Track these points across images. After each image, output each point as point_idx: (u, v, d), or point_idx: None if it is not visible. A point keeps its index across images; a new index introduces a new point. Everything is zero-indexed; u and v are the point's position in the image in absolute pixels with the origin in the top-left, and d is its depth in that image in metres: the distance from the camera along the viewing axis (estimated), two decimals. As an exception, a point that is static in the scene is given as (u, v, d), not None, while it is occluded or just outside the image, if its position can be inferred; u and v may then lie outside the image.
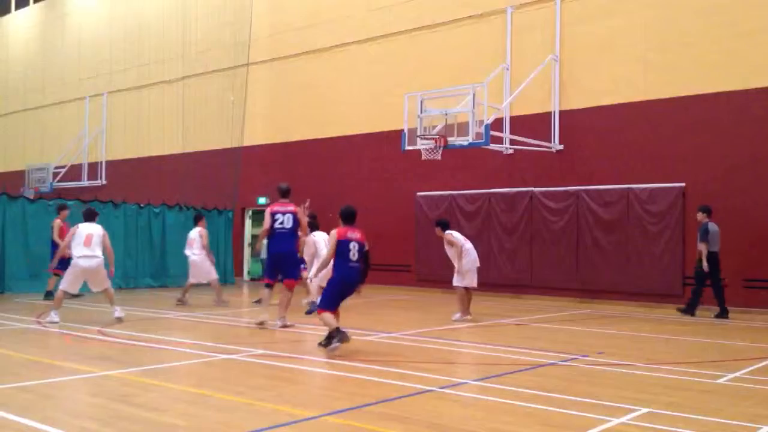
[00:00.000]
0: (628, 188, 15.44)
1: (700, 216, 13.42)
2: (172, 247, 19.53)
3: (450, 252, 12.37)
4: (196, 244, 14.59)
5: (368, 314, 13.15)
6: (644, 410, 5.70)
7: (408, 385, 6.60)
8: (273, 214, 10.79)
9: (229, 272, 21.25)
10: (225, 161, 23.05)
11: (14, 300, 14.84)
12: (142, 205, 19.31)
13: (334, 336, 8.14)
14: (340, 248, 8.35)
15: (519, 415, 5.58)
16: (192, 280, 14.59)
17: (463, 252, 12.24)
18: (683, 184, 14.87)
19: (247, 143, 22.87)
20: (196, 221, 15.15)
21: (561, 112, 16.63)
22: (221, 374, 7.29)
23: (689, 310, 13.42)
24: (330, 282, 8.52)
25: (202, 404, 5.84)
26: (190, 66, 24.96)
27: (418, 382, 6.75)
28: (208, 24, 24.69)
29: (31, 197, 19.13)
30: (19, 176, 29.38)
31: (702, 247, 13.06)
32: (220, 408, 5.73)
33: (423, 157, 15.25)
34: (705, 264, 12.97)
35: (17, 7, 33.75)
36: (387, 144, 18.52)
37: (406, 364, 7.80)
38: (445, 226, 12.64)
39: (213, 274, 14.70)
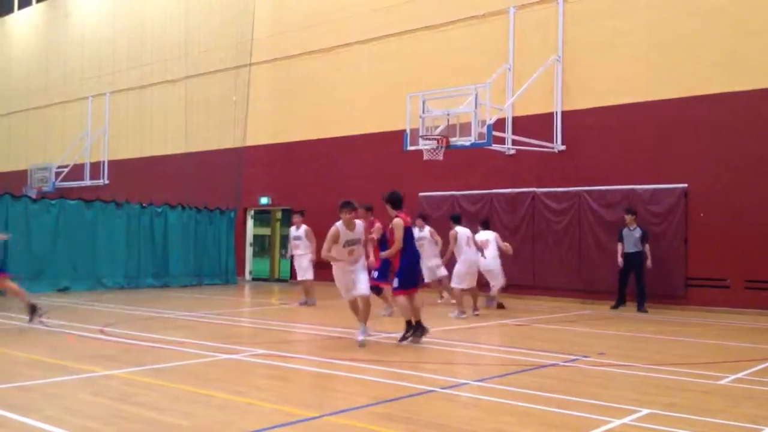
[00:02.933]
0: (631, 189, 15.42)
1: (630, 218, 14.27)
2: (174, 247, 19.57)
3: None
4: (491, 246, 13.90)
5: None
6: (646, 411, 5.70)
7: (409, 386, 6.60)
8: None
9: (231, 272, 21.26)
10: (227, 161, 23.06)
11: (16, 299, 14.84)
12: (144, 205, 19.33)
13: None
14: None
15: (520, 416, 5.57)
16: (495, 284, 14.17)
17: (459, 253, 12.76)
18: (686, 185, 14.85)
19: (249, 143, 22.89)
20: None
21: (563, 113, 16.61)
22: (222, 374, 7.29)
23: (641, 306, 14.10)
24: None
25: (204, 404, 5.85)
26: (193, 66, 24.97)
27: (419, 383, 6.75)
28: (210, 24, 24.71)
29: (34, 197, 19.15)
30: (21, 176, 29.43)
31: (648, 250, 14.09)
32: (221, 407, 5.74)
33: (425, 158, 15.24)
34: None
35: (20, 7, 33.78)
36: (389, 144, 18.51)
37: (406, 364, 7.80)
38: (454, 221, 13.14)
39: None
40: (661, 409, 5.77)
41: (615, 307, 14.44)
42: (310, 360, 8.15)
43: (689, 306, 14.43)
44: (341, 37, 20.87)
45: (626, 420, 5.41)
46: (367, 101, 20.09)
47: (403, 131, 15.75)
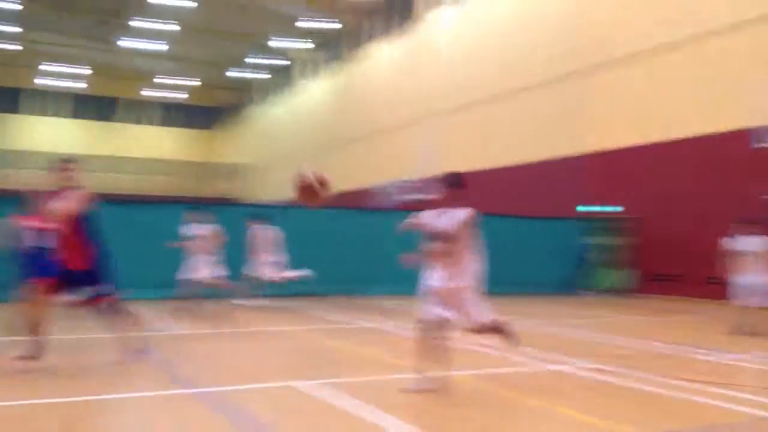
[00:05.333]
0: None
1: None
2: (531, 257, 20.01)
3: None
4: None
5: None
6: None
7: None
8: None
9: (571, 282, 20.97)
10: (565, 169, 22.94)
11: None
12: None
13: None
14: None
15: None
16: None
17: None
18: None
19: (589, 149, 22.57)
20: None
21: None
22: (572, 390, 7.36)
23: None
24: None
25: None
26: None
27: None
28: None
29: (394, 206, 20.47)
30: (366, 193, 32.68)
31: None
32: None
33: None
34: None
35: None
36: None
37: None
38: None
39: None
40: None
41: None
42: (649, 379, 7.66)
43: None
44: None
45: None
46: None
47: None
